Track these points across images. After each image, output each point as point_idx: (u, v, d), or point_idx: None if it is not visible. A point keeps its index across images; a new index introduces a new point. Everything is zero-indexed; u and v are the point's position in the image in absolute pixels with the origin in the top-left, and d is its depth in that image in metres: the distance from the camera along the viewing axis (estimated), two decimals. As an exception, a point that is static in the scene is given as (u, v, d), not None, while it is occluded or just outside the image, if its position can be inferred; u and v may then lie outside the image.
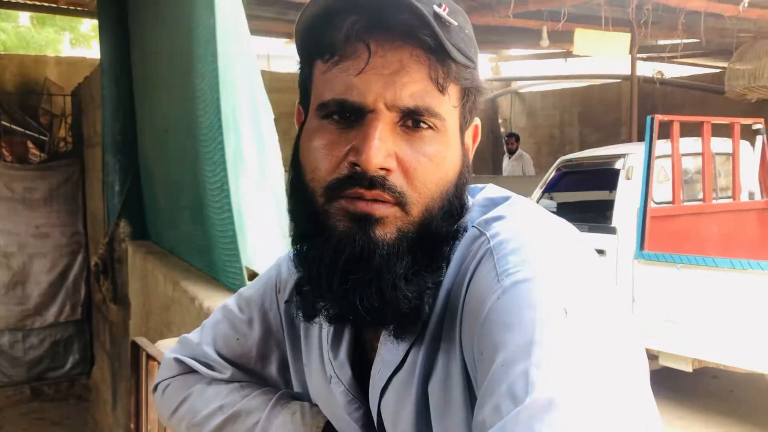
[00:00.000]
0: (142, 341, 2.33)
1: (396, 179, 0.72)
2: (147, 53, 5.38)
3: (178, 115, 4.33)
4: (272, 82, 10.74)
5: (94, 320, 8.47)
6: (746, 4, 5.93)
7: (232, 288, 3.53)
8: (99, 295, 7.16)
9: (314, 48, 0.75)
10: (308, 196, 0.75)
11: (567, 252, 0.69)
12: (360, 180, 0.71)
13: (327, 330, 0.87)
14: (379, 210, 0.71)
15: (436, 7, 0.71)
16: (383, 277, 0.71)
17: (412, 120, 0.73)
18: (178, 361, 1.05)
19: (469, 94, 0.77)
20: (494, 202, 0.80)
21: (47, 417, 8.03)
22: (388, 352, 0.79)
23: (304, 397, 0.96)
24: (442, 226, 0.75)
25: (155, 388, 1.09)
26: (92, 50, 14.89)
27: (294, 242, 0.81)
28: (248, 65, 3.26)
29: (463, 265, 0.75)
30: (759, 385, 5.11)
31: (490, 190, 0.84)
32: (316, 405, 0.93)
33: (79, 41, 16.92)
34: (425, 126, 0.73)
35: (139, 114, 6.04)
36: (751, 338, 4.63)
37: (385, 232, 0.72)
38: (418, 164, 0.73)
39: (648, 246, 5.19)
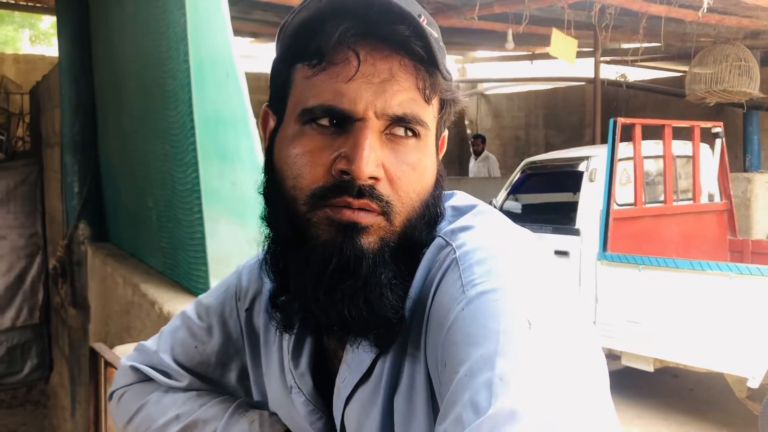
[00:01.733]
0: (100, 347, 2.27)
1: (383, 188, 0.72)
2: (111, 52, 5.27)
3: (147, 115, 4.25)
4: (237, 81, 10.69)
5: (52, 324, 8.28)
6: (705, 10, 6.04)
7: (194, 291, 3.47)
8: (57, 299, 7.00)
9: (300, 51, 0.74)
10: (288, 204, 0.74)
11: (531, 263, 0.70)
12: (348, 188, 0.70)
13: (288, 339, 0.86)
14: (365, 219, 0.71)
15: (416, 18, 0.71)
16: (369, 286, 0.71)
17: (398, 128, 0.73)
18: (134, 369, 1.03)
19: (447, 105, 0.79)
20: (460, 212, 0.80)
21: (2, 424, 7.83)
22: (354, 360, 0.78)
23: (263, 405, 0.94)
24: (422, 235, 0.75)
25: (110, 396, 1.08)
26: (52, 48, 14.57)
27: (269, 251, 0.80)
28: (227, 66, 3.19)
29: (429, 275, 0.74)
30: (718, 384, 5.21)
31: (458, 198, 0.83)
32: (276, 414, 0.92)
33: (39, 38, 16.56)
34: (410, 134, 0.73)
35: (100, 113, 5.92)
36: (710, 338, 4.71)
37: (369, 241, 0.71)
38: (402, 173, 0.73)
39: (611, 247, 5.26)
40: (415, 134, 0.73)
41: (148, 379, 1.02)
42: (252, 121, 3.17)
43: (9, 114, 9.76)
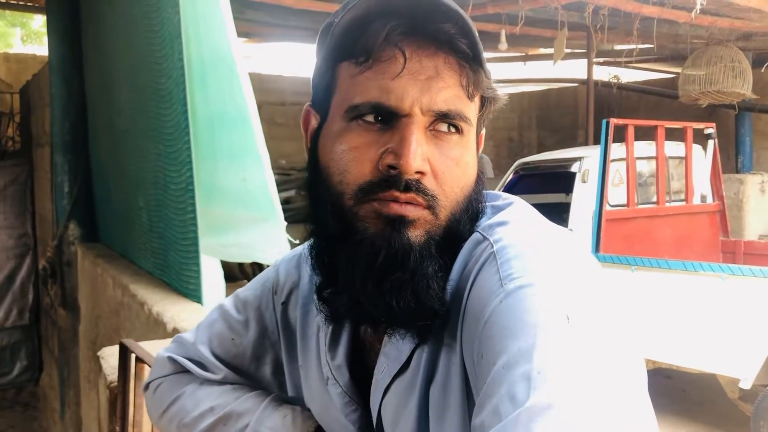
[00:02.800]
0: (130, 343, 2.27)
1: (429, 182, 0.73)
2: (103, 51, 5.23)
3: (140, 114, 4.21)
4: (230, 81, 10.64)
5: (42, 325, 8.22)
6: (698, 11, 6.04)
7: (184, 293, 3.44)
8: (47, 300, 6.95)
9: (346, 50, 0.75)
10: (335, 199, 0.75)
11: (569, 259, 0.71)
12: (395, 183, 0.72)
13: (324, 332, 0.87)
14: (412, 212, 0.73)
15: (462, 16, 0.73)
16: (417, 278, 0.72)
17: (443, 124, 0.74)
18: (171, 360, 1.05)
19: (487, 103, 0.80)
20: (497, 208, 0.81)
21: (-7, 426, 7.76)
22: (392, 351, 0.79)
23: (297, 401, 0.96)
24: (465, 229, 0.77)
25: (146, 386, 1.10)
26: (44, 47, 14.49)
27: (315, 245, 0.82)
28: (228, 64, 3.14)
29: (466, 269, 0.76)
30: (710, 385, 5.21)
31: (495, 196, 0.85)
32: (308, 410, 0.93)
33: (30, 38, 16.47)
34: (453, 130, 0.75)
35: (91, 112, 5.88)
36: (703, 339, 4.71)
37: (417, 234, 0.73)
38: (447, 168, 0.75)
39: (603, 248, 5.25)
40: (459, 130, 0.75)
41: (184, 370, 1.04)
42: (257, 119, 3.13)
43: (-1, 113, 9.70)
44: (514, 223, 0.76)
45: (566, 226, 5.55)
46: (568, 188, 5.93)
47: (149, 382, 1.09)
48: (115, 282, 4.17)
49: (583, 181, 5.61)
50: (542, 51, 10.11)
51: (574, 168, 5.81)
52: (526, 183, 6.31)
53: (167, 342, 1.26)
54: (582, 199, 5.57)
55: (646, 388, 0.63)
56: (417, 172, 0.72)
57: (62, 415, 6.44)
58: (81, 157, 5.95)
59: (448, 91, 0.73)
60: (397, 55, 0.72)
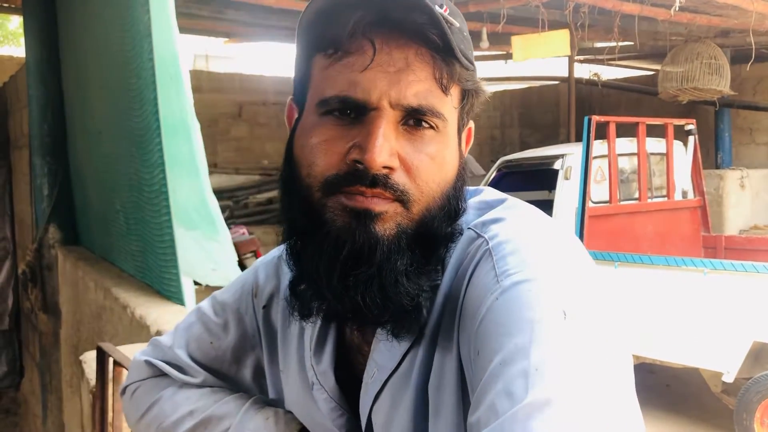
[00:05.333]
0: (107, 346, 2.23)
1: (398, 178, 0.71)
2: (78, 52, 5.17)
3: (112, 116, 4.17)
4: (211, 81, 10.58)
5: (22, 330, 8.11)
6: (677, 8, 6.09)
7: (166, 295, 3.41)
8: (27, 304, 6.85)
9: (316, 42, 0.74)
10: (304, 192, 0.74)
11: (566, 255, 0.70)
12: (361, 178, 0.70)
13: (309, 336, 0.86)
14: (379, 205, 0.71)
15: (437, 8, 0.70)
16: (384, 273, 0.70)
17: (415, 119, 0.72)
18: (148, 363, 1.03)
19: (468, 96, 0.78)
20: (489, 205, 0.79)
21: (-27, 433, 7.65)
22: (382, 355, 0.78)
23: (278, 403, 0.94)
24: (441, 226, 0.74)
25: (123, 390, 1.07)
26: (21, 48, 14.30)
27: (287, 239, 0.80)
28: (182, 65, 3.14)
29: (461, 268, 0.74)
30: (694, 379, 5.26)
31: (486, 193, 0.83)
32: (291, 412, 0.91)
33: (7, 39, 16.26)
34: (427, 126, 0.72)
35: (69, 114, 5.81)
36: (685, 334, 4.74)
37: (385, 228, 0.71)
38: (420, 163, 0.72)
39: (586, 244, 5.26)
40: (433, 126, 0.73)
41: (162, 374, 1.02)
42: (195, 125, 3.09)
43: (-24, 116, 9.54)
44: (510, 220, 0.75)
45: (549, 223, 5.58)
46: (550, 185, 5.96)
47: (126, 387, 1.06)
48: (97, 285, 4.12)
49: (566, 178, 5.63)
50: (513, 57, 10.13)
51: (556, 165, 5.83)
52: (509, 181, 6.32)
53: (150, 346, 1.24)
54: (565, 196, 5.59)
55: (633, 383, 0.63)
56: (385, 167, 0.70)
57: (44, 420, 6.36)
58: (60, 160, 5.87)
59: (419, 84, 0.71)
60: (366, 46, 0.70)
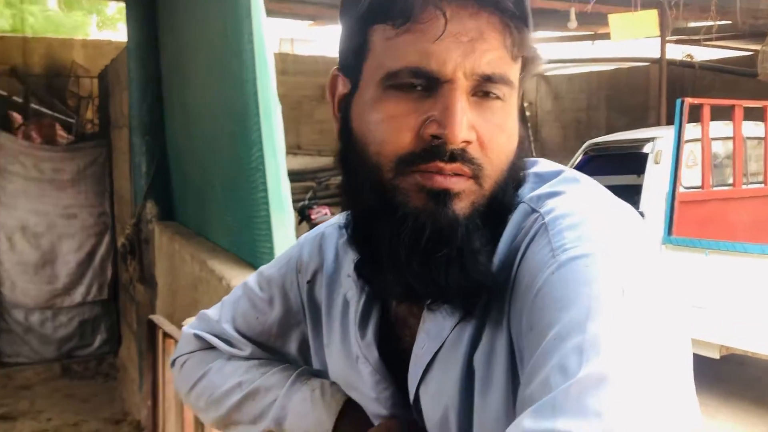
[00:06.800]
0: (158, 319, 2.33)
1: (474, 151, 0.70)
2: (177, 34, 5.38)
3: (212, 95, 4.34)
4: (296, 64, 10.78)
5: (120, 300, 8.59)
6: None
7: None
8: (126, 275, 7.25)
9: (380, 12, 0.70)
10: (372, 171, 0.72)
11: (625, 230, 0.68)
12: (440, 153, 0.68)
13: (354, 310, 0.86)
14: (457, 184, 0.69)
15: None
16: (465, 253, 0.69)
17: (483, 90, 0.70)
18: (197, 336, 1.05)
19: (528, 63, 0.75)
20: (543, 178, 0.77)
21: (77, 394, 8.18)
22: (434, 327, 0.77)
23: (324, 375, 0.95)
24: (510, 197, 0.74)
25: (173, 363, 1.10)
26: (118, 33, 14.98)
27: (351, 220, 0.79)
28: (269, 47, 3.26)
29: (514, 242, 0.72)
30: (788, 372, 5.05)
31: (541, 165, 0.81)
32: (336, 383, 0.92)
33: (105, 24, 17.04)
34: (494, 96, 0.71)
35: (167, 95, 6.06)
36: (781, 325, 4.56)
37: (462, 207, 0.70)
38: (492, 135, 0.71)
39: (676, 231, 5.13)
40: (500, 96, 0.71)
41: (210, 347, 1.04)
42: (278, 107, 3.20)
43: (79, 97, 10.08)
44: (568, 194, 0.72)
45: (638, 208, 5.45)
46: (639, 170, 5.80)
47: (175, 359, 1.09)
48: (193, 258, 4.33)
49: (656, 163, 5.48)
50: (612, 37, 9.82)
51: (646, 149, 5.67)
52: (596, 164, 6.19)
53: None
54: (654, 181, 5.44)
55: (691, 365, 0.63)
56: (464, 141, 0.68)
57: (140, 385, 6.75)
58: (158, 139, 6.14)
59: (492, 53, 0.68)
60: (438, 15, 0.67)
